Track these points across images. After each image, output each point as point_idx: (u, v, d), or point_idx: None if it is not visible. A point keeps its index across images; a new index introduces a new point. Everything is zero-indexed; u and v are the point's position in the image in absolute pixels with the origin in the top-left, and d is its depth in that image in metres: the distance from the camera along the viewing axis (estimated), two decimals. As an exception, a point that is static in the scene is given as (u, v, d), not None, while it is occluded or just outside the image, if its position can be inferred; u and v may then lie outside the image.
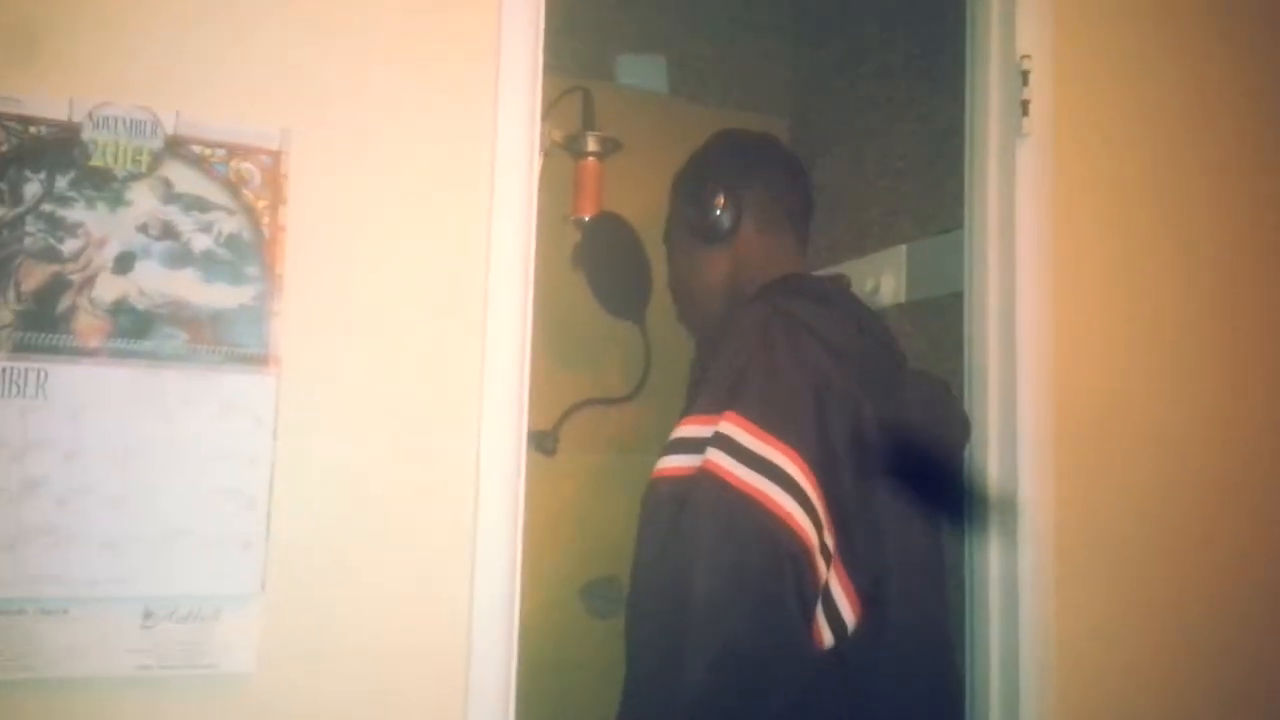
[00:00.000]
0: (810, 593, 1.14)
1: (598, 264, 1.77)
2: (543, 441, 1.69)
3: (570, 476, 1.78)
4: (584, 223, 1.79)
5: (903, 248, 1.95)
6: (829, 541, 1.17)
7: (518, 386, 1.14)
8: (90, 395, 0.95)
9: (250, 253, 1.02)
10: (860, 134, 2.14)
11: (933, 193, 1.92)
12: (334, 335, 1.06)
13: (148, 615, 0.96)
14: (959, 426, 1.45)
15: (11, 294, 0.93)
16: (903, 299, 1.94)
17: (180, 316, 0.98)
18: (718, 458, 1.14)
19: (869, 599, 1.20)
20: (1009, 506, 1.41)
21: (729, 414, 1.16)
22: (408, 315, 1.10)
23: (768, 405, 1.17)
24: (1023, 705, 1.37)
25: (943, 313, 1.83)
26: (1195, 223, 1.60)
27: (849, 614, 1.19)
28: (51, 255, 0.95)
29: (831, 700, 1.18)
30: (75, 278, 0.96)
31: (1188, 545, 1.54)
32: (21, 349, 0.93)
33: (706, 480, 1.14)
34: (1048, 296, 1.45)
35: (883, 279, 1.98)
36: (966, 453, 1.47)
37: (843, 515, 1.18)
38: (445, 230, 1.13)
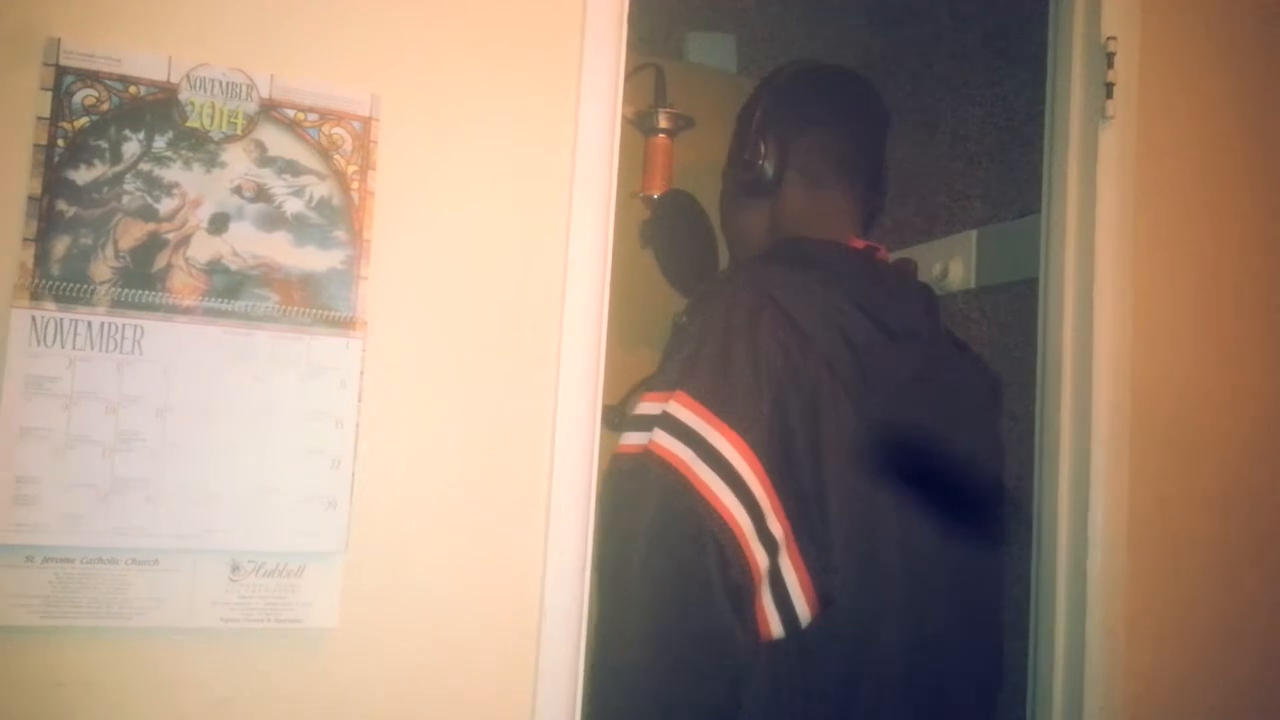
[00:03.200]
0: (738, 579, 1.11)
1: (666, 241, 1.76)
2: (610, 416, 1.70)
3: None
4: (653, 200, 1.79)
5: (973, 232, 1.93)
6: (774, 529, 1.14)
7: (594, 359, 1.15)
8: (184, 352, 0.97)
9: (339, 217, 1.03)
10: (933, 116, 2.12)
11: (1006, 177, 1.90)
12: (417, 301, 1.07)
13: (235, 569, 0.98)
14: (977, 403, 1.37)
15: (110, 250, 0.96)
16: (972, 285, 1.92)
17: (272, 278, 1.00)
18: (661, 438, 1.15)
19: (831, 594, 1.16)
20: (1079, 499, 1.39)
21: (678, 393, 1.16)
22: (489, 284, 1.11)
23: (716, 386, 1.15)
24: (1087, 706, 1.36)
25: (1014, 300, 1.81)
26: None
27: (803, 606, 1.15)
28: (149, 214, 0.97)
29: (784, 693, 1.15)
30: (171, 237, 0.98)
31: (1268, 548, 1.51)
32: (119, 305, 0.95)
33: (651, 460, 1.14)
34: (1127, 286, 1.42)
35: (951, 264, 1.96)
36: (997, 427, 1.42)
37: (801, 504, 1.15)
38: (527, 202, 1.13)
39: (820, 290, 1.24)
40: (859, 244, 1.38)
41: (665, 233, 1.77)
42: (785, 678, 1.16)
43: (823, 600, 1.16)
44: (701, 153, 1.89)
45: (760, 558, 1.12)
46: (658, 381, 1.20)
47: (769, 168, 1.36)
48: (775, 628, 1.15)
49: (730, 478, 1.12)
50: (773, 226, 1.39)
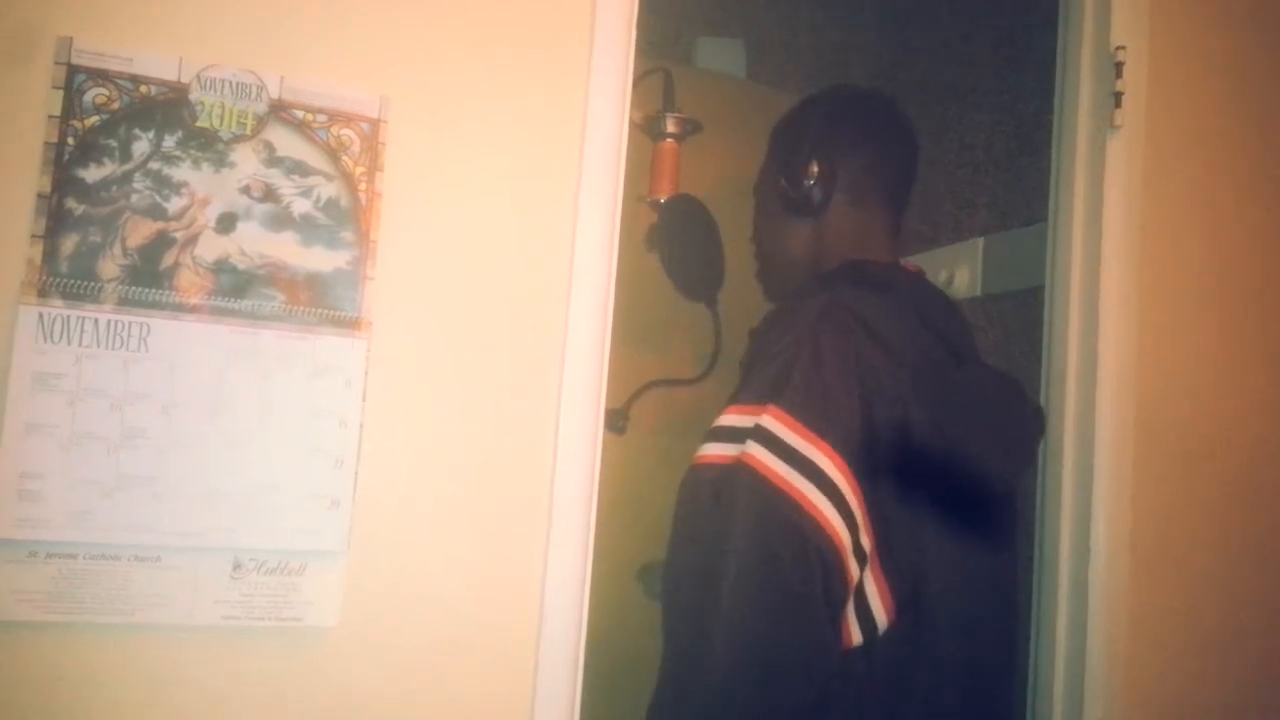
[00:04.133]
0: (839, 592, 1.13)
1: (672, 246, 1.77)
2: (613, 419, 1.70)
3: (637, 456, 1.79)
4: (660, 204, 1.79)
5: (980, 240, 1.93)
6: (865, 543, 1.16)
7: (598, 363, 1.15)
8: (190, 350, 0.97)
9: (347, 218, 1.03)
10: (941, 123, 2.12)
11: (1014, 185, 1.90)
12: (423, 302, 1.07)
13: (237, 566, 0.98)
14: (1026, 428, 1.40)
15: (119, 248, 0.96)
16: (978, 292, 1.91)
17: (278, 278, 1.00)
18: (756, 451, 1.13)
19: (906, 602, 1.18)
20: (1082, 505, 1.39)
21: (771, 407, 1.15)
22: (494, 286, 1.11)
23: (811, 401, 1.15)
24: (1087, 711, 1.36)
25: (1019, 308, 1.81)
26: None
27: (881, 615, 1.17)
28: (157, 212, 0.98)
29: (857, 699, 1.17)
30: (179, 235, 0.98)
31: (1271, 554, 1.51)
32: (126, 302, 0.96)
33: (743, 472, 1.13)
34: (1133, 295, 1.42)
35: (957, 271, 1.96)
36: (1040, 450, 1.45)
37: (883, 518, 1.17)
38: (533, 204, 1.14)
39: (894, 310, 1.26)
40: (910, 266, 1.42)
41: (671, 237, 1.77)
42: (854, 683, 1.17)
43: (898, 610, 1.18)
44: (709, 158, 1.90)
45: (855, 571, 1.14)
46: (745, 395, 1.19)
47: (819, 188, 1.37)
48: (856, 636, 1.16)
49: (830, 492, 1.12)
50: (817, 246, 1.39)
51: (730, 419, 1.19)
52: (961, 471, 1.23)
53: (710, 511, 1.16)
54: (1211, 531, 1.46)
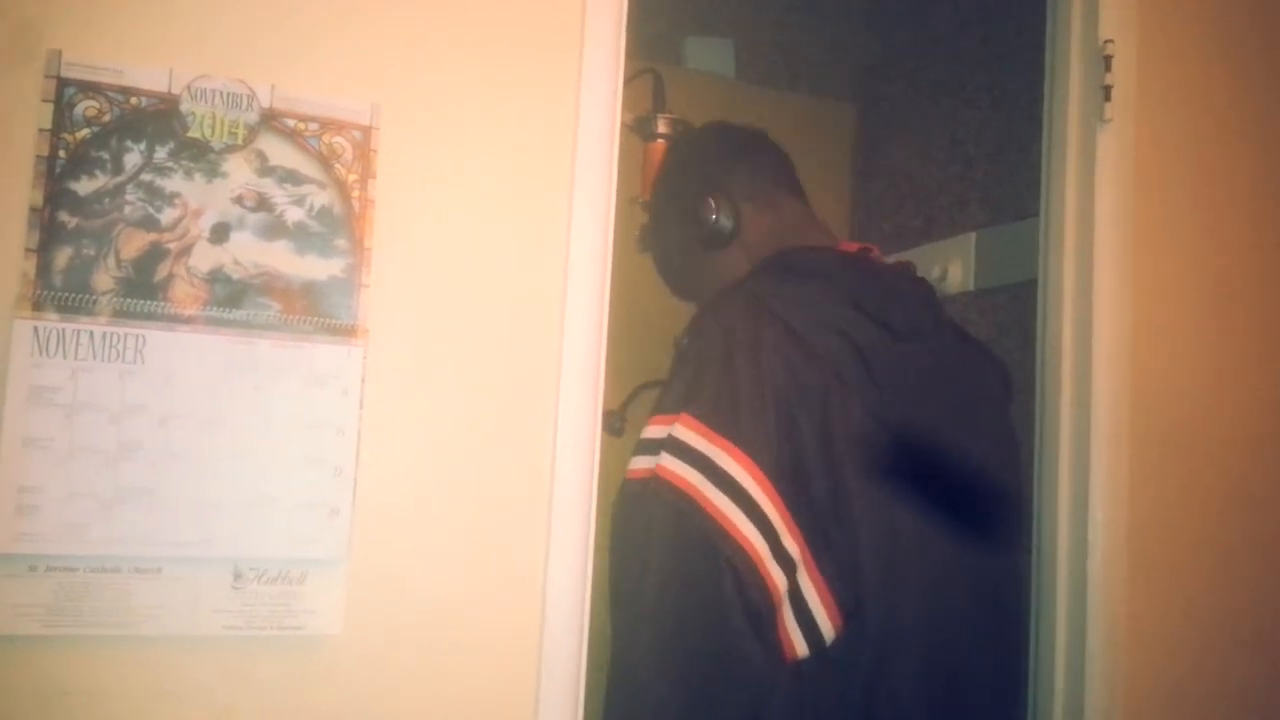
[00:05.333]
0: (758, 601, 1.10)
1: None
2: (611, 421, 1.70)
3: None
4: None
5: (972, 235, 1.94)
6: (790, 548, 1.12)
7: (594, 365, 1.15)
8: (185, 362, 0.97)
9: (340, 226, 1.03)
10: (931, 119, 2.12)
11: (1005, 179, 1.90)
12: (419, 308, 1.07)
13: (237, 577, 0.98)
14: (987, 393, 1.35)
15: (112, 261, 0.96)
16: (971, 287, 1.92)
17: (273, 287, 1.00)
18: (668, 461, 1.13)
19: (854, 606, 1.14)
20: (1079, 502, 1.39)
21: (683, 415, 1.14)
22: (490, 291, 1.11)
23: (721, 407, 1.14)
24: (1087, 709, 1.36)
25: (1013, 302, 1.81)
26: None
27: (826, 622, 1.14)
28: (150, 224, 0.97)
29: (809, 712, 1.13)
30: (173, 246, 0.98)
31: (1269, 549, 1.51)
32: (121, 315, 0.96)
33: (657, 484, 1.13)
34: (1126, 288, 1.43)
35: (950, 266, 1.97)
36: (1009, 419, 1.38)
37: (816, 521, 1.14)
38: (527, 208, 1.14)
39: (817, 297, 1.23)
40: (851, 247, 1.38)
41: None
42: (809, 696, 1.14)
43: (845, 613, 1.15)
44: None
45: (779, 579, 1.11)
46: (663, 404, 1.19)
47: (724, 214, 1.39)
48: (800, 647, 1.13)
49: (742, 500, 1.11)
50: (751, 257, 1.39)
51: (651, 430, 1.18)
52: (910, 455, 1.19)
53: (631, 527, 1.16)
54: (1209, 527, 1.47)
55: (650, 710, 1.11)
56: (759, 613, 1.10)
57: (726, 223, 1.39)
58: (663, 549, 1.12)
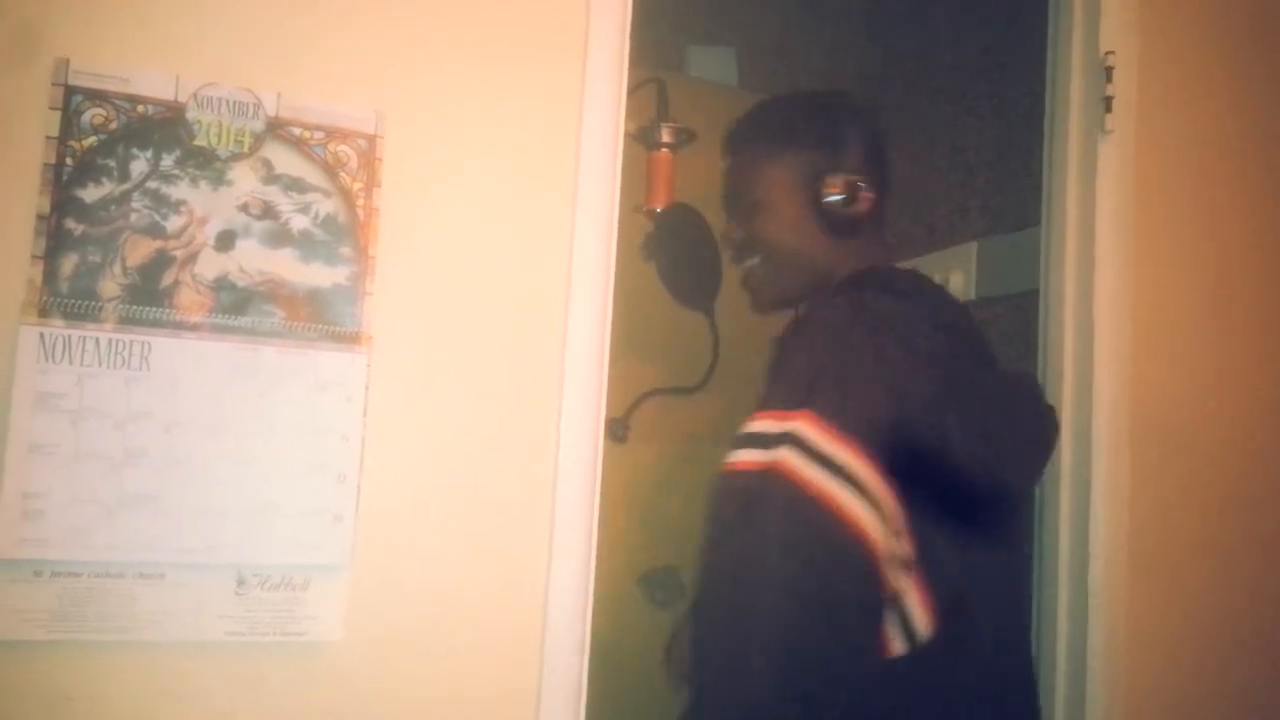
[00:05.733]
0: (876, 600, 1.12)
1: (669, 255, 1.78)
2: (614, 428, 1.71)
3: (637, 465, 1.80)
4: (656, 214, 1.80)
5: (973, 244, 1.94)
6: (904, 550, 1.14)
7: (597, 372, 1.15)
8: (191, 368, 0.98)
9: (345, 234, 1.04)
10: (932, 128, 2.13)
11: (1006, 189, 1.91)
12: (423, 316, 1.08)
13: (240, 583, 0.99)
14: (1046, 426, 1.39)
15: (119, 268, 0.97)
16: (972, 295, 1.92)
17: (278, 294, 1.01)
18: (789, 456, 1.11)
19: (947, 612, 1.16)
20: (1080, 505, 1.39)
21: (804, 413, 1.12)
22: (493, 299, 1.12)
23: (842, 407, 1.13)
24: (1089, 713, 1.36)
25: (1014, 311, 1.81)
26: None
27: (923, 625, 1.16)
28: (156, 231, 0.98)
29: (901, 710, 1.16)
30: (178, 254, 0.98)
31: (1269, 554, 1.52)
32: (127, 321, 0.96)
33: (776, 479, 1.11)
34: (1127, 296, 1.43)
35: (951, 275, 1.97)
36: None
37: (922, 525, 1.15)
38: (530, 216, 1.14)
39: (918, 317, 1.25)
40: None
41: (668, 246, 1.78)
42: (902, 693, 1.16)
43: (939, 617, 1.16)
44: (704, 166, 1.91)
45: (893, 579, 1.13)
46: (773, 401, 1.16)
47: (865, 210, 1.34)
48: (898, 645, 1.14)
49: (867, 497, 1.10)
50: (841, 261, 1.35)
51: (760, 425, 1.16)
52: (995, 476, 1.22)
53: (743, 520, 1.13)
54: (1209, 533, 1.47)
55: (757, 703, 1.09)
56: (874, 610, 1.12)
57: (866, 216, 1.34)
58: (784, 542, 1.10)
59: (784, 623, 1.09)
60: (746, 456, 1.15)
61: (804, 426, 1.12)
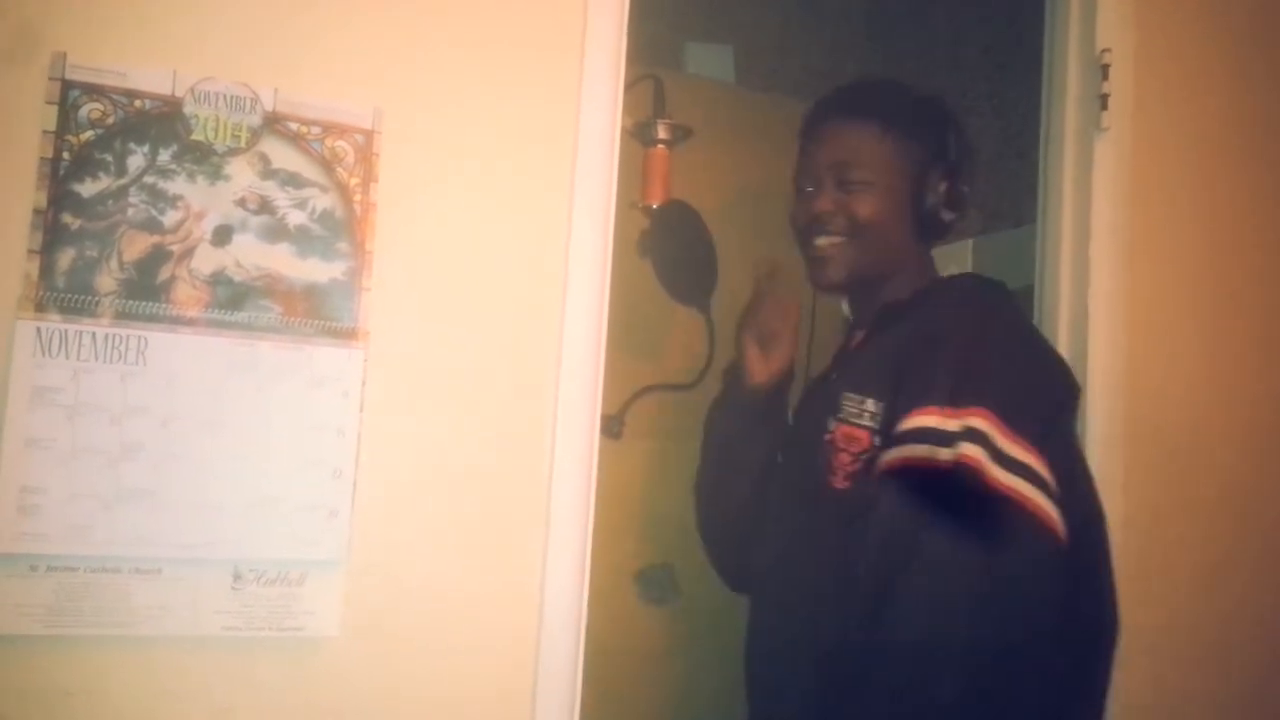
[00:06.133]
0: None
1: (665, 251, 1.77)
2: (609, 425, 1.71)
3: (632, 461, 1.80)
4: (652, 210, 1.80)
5: (969, 242, 1.94)
6: None
7: (593, 368, 1.16)
8: (187, 363, 0.98)
9: (342, 229, 1.04)
10: (929, 127, 2.13)
11: (1002, 186, 1.91)
12: (419, 312, 1.08)
13: (237, 577, 0.99)
14: None
15: (115, 262, 0.97)
16: (968, 293, 1.92)
17: (274, 289, 1.01)
18: (974, 452, 1.08)
19: None
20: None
21: (979, 410, 1.10)
22: (490, 295, 1.12)
23: (1019, 405, 1.13)
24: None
25: (1010, 308, 1.81)
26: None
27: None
28: (153, 226, 0.98)
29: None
30: (175, 248, 0.99)
31: (1262, 556, 1.52)
32: (123, 316, 0.96)
33: (966, 474, 1.08)
34: (1122, 295, 1.43)
35: (946, 272, 1.97)
36: None
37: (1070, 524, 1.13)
38: (527, 212, 1.14)
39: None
40: None
41: (664, 243, 1.78)
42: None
43: None
44: (700, 163, 1.91)
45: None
46: (935, 396, 1.13)
47: (955, 215, 1.36)
48: None
49: (1054, 497, 1.10)
50: (915, 259, 1.37)
51: (928, 420, 1.13)
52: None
53: (927, 523, 1.10)
54: (1201, 531, 1.48)
55: (960, 697, 1.07)
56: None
57: (956, 219, 1.36)
58: (979, 542, 1.08)
59: (998, 629, 1.07)
60: (911, 452, 1.12)
61: (983, 424, 1.10)
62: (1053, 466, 1.12)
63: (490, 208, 1.13)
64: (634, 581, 1.97)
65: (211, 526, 0.98)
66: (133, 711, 0.97)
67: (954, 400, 1.12)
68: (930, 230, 1.35)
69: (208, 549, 0.98)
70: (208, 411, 0.98)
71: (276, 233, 1.01)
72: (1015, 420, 1.11)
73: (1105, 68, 1.44)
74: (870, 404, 1.22)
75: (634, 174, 1.82)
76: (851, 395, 1.24)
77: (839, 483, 1.22)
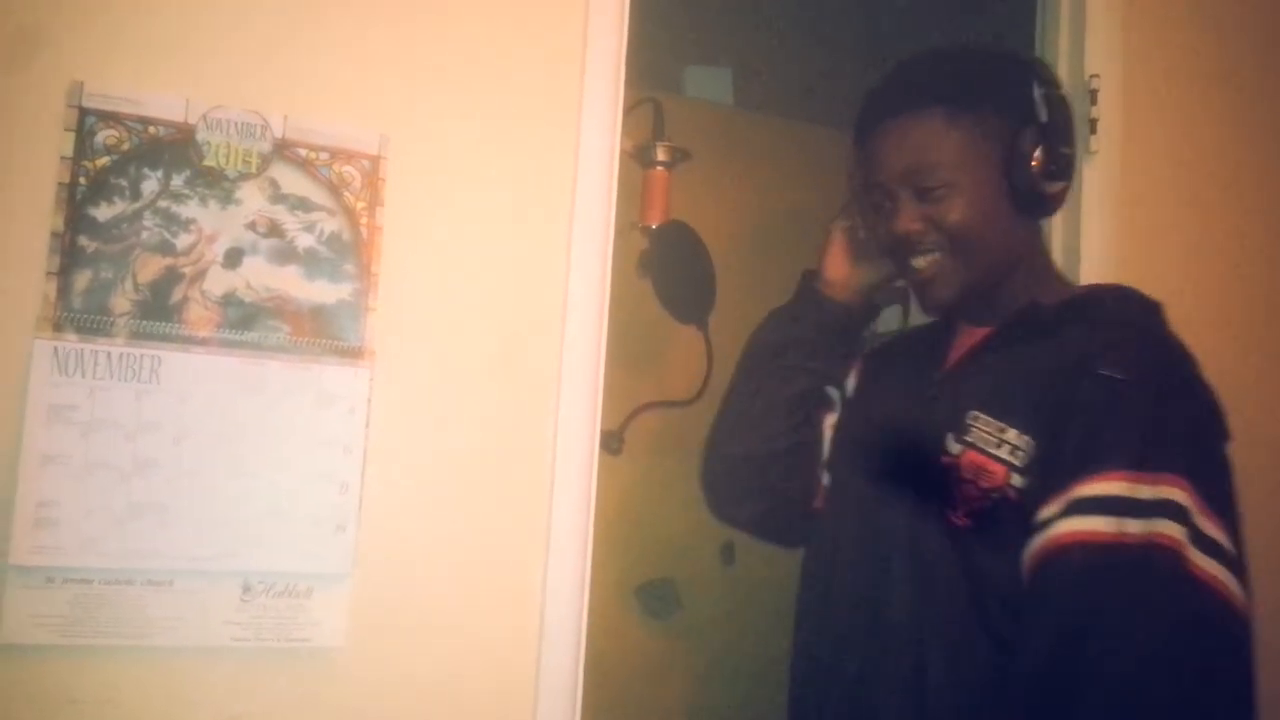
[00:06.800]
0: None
1: (664, 270, 1.81)
2: (609, 441, 1.74)
3: (633, 477, 1.83)
4: (651, 230, 1.84)
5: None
6: None
7: (593, 386, 1.19)
8: (199, 382, 1.01)
9: (349, 252, 1.07)
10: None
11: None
12: (424, 332, 1.11)
13: (246, 590, 1.02)
14: None
15: (130, 284, 1.00)
16: (963, 312, 1.95)
17: (284, 310, 1.04)
18: (1174, 531, 0.92)
19: None
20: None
21: (1177, 479, 0.94)
22: (492, 315, 1.15)
23: (1214, 472, 0.97)
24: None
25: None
26: (1271, 246, 1.61)
27: None
28: (166, 249, 1.01)
29: None
30: (187, 271, 1.02)
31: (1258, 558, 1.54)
32: (138, 336, 0.99)
33: (1163, 556, 0.92)
34: (1111, 313, 1.46)
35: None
36: None
37: None
38: (529, 234, 1.18)
39: None
40: None
41: (663, 263, 1.81)
42: None
43: None
44: (699, 184, 1.94)
45: None
46: (1119, 455, 0.96)
47: (1062, 190, 1.12)
48: None
49: (1244, 585, 0.95)
50: (1028, 240, 1.15)
51: (1119, 488, 0.95)
52: None
53: (1122, 609, 0.93)
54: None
55: None
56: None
57: (1051, 188, 1.11)
58: (1185, 641, 0.93)
59: None
60: (1095, 525, 0.95)
61: (1183, 496, 0.94)
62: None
63: (493, 230, 1.16)
64: (635, 595, 1.99)
65: (222, 540, 1.01)
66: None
67: (1145, 464, 0.95)
68: (1037, 208, 1.12)
69: (218, 561, 1.01)
70: (219, 428, 1.01)
71: (286, 255, 1.05)
72: (1210, 490, 0.95)
73: (1094, 92, 1.47)
74: (1012, 435, 1.02)
75: (634, 195, 1.86)
76: (984, 418, 1.04)
77: (959, 519, 1.03)
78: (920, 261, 1.12)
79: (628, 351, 1.83)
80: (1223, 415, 1.02)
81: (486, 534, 1.13)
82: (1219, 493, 0.96)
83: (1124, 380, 0.99)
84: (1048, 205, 1.13)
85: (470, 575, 1.12)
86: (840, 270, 1.25)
